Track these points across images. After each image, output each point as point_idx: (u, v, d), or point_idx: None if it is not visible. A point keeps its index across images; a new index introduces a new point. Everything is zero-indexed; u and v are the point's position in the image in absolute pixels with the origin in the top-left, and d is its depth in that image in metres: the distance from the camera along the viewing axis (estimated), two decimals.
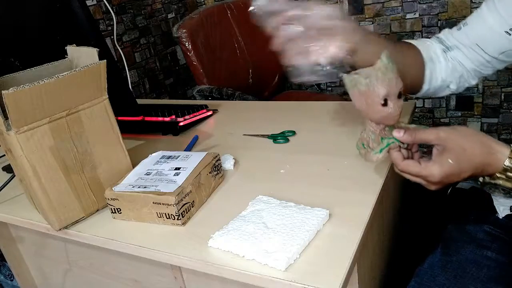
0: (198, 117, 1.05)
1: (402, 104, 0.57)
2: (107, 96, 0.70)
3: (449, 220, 0.80)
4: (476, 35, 0.74)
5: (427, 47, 0.79)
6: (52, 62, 0.75)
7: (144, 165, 0.74)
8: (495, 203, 0.76)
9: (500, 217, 0.74)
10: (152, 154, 0.77)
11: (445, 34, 0.80)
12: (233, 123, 1.03)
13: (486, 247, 0.69)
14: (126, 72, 1.76)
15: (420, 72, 0.77)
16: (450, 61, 0.78)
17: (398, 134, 0.59)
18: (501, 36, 0.70)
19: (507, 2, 0.69)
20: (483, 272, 0.66)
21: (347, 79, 0.57)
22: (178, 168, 0.70)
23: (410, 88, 0.80)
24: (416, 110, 1.76)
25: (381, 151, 0.59)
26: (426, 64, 0.77)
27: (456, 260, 0.68)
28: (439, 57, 0.78)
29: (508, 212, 0.73)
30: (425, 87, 0.79)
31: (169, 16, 2.17)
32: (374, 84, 0.55)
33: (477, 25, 0.74)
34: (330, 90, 2.17)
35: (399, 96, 0.56)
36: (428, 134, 0.58)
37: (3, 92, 0.56)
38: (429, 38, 0.82)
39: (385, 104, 0.56)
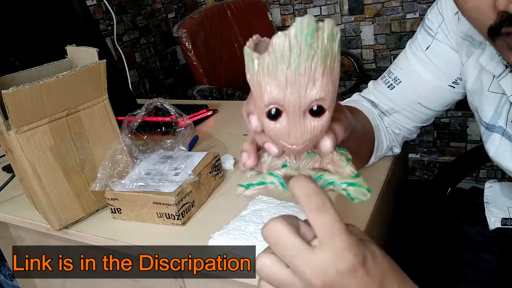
0: (198, 117, 1.05)
1: (322, 129, 0.31)
2: (107, 96, 0.70)
3: (448, 221, 0.79)
4: (416, 94, 0.66)
5: (370, 112, 0.69)
6: (52, 62, 0.75)
7: (144, 165, 0.74)
8: (486, 212, 0.72)
9: (490, 229, 0.71)
10: (152, 154, 0.77)
11: (377, 96, 0.70)
12: (233, 123, 1.03)
13: (485, 250, 0.69)
14: (126, 72, 1.76)
15: (371, 146, 0.67)
16: (389, 126, 0.71)
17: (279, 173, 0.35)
18: (445, 91, 0.64)
19: (444, 56, 0.62)
20: (482, 275, 0.65)
21: (245, 50, 0.31)
22: (178, 168, 0.70)
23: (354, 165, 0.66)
24: None
25: (248, 186, 0.35)
26: (375, 134, 0.67)
27: (455, 263, 0.68)
28: (382, 124, 0.70)
29: (499, 225, 0.70)
30: (371, 160, 0.69)
31: (169, 16, 2.17)
32: (259, 74, 0.30)
33: (414, 83, 0.65)
34: None
35: (316, 112, 0.30)
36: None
37: (3, 92, 0.56)
38: (361, 97, 0.73)
39: (274, 116, 0.30)
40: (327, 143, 0.32)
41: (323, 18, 2.07)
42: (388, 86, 0.68)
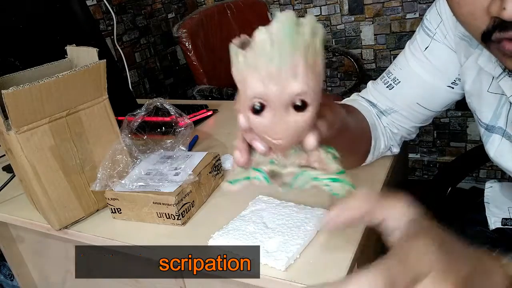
0: (198, 117, 1.05)
1: (306, 124, 0.31)
2: (107, 96, 0.70)
3: (448, 221, 0.79)
4: (415, 95, 0.66)
5: (367, 111, 0.69)
6: (52, 62, 0.75)
7: (144, 165, 0.74)
8: (487, 212, 0.72)
9: (490, 229, 0.70)
10: (152, 154, 0.77)
11: (375, 96, 0.70)
12: (233, 123, 1.02)
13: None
14: (126, 72, 1.76)
15: (367, 143, 0.67)
16: (387, 126, 0.71)
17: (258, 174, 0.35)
18: (444, 91, 0.64)
19: (442, 57, 0.62)
20: None
21: (231, 46, 0.31)
22: (178, 168, 0.70)
23: (351, 163, 0.67)
24: None
25: (234, 182, 0.36)
26: (372, 133, 0.67)
27: None
28: (380, 123, 0.70)
29: (499, 225, 0.70)
30: (369, 158, 0.69)
31: (169, 16, 2.17)
32: (243, 70, 0.30)
33: (413, 83, 0.65)
34: (330, 90, 2.17)
35: (299, 107, 0.30)
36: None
37: (3, 91, 0.56)
38: (359, 97, 0.73)
39: (258, 111, 0.31)
40: (310, 140, 0.33)
41: (323, 18, 2.07)
42: (387, 87, 0.68)
